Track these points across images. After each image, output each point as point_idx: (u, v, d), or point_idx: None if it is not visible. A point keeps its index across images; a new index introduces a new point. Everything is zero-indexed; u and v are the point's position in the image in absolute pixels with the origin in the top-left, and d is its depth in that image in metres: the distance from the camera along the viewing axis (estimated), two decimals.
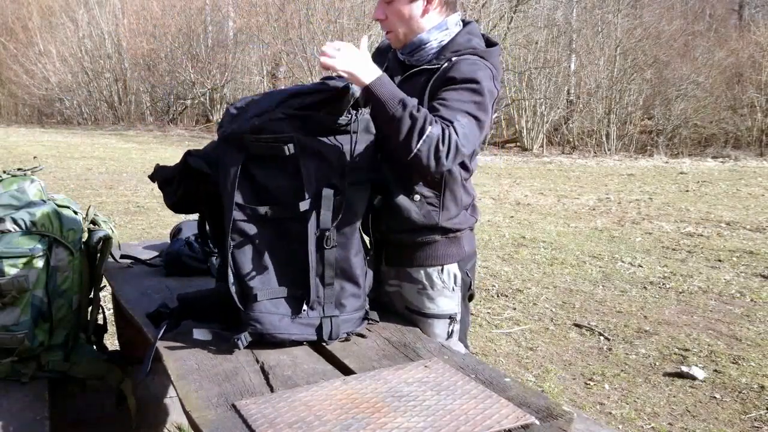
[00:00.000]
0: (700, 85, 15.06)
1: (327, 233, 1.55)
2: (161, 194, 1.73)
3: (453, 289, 1.81)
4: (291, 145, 1.51)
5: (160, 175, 1.69)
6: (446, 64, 1.66)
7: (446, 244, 1.78)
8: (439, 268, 1.79)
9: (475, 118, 1.59)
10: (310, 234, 1.54)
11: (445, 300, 1.80)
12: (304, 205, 1.53)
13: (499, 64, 1.75)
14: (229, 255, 1.55)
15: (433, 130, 1.50)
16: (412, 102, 1.53)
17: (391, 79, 1.75)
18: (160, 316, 1.68)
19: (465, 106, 1.58)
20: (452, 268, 1.80)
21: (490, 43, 1.77)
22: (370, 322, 1.73)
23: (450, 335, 1.81)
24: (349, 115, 1.56)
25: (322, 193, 1.52)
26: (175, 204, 1.72)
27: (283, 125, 1.52)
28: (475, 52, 1.69)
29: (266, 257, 1.56)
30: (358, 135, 1.57)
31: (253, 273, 1.55)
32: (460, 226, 1.78)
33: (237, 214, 1.54)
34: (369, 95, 1.53)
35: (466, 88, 1.60)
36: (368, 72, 1.53)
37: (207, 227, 1.78)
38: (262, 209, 1.55)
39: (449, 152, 1.52)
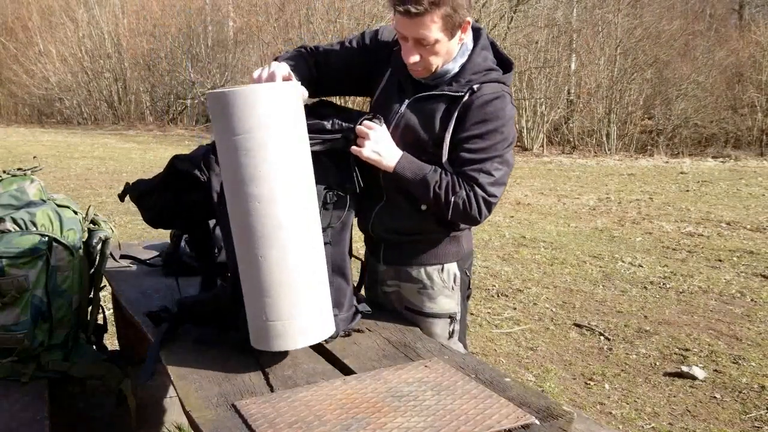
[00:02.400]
0: (700, 84, 15.05)
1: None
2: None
3: (453, 288, 1.80)
4: None
5: (138, 189, 1.70)
6: (468, 94, 1.62)
7: (446, 242, 1.78)
8: (440, 267, 1.79)
9: (506, 154, 1.66)
10: None
11: (445, 299, 1.80)
12: None
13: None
14: (230, 258, 1.55)
15: (458, 200, 1.61)
16: (434, 178, 1.61)
17: (399, 90, 1.72)
18: (159, 319, 1.69)
19: (492, 151, 1.63)
20: (452, 267, 1.80)
21: (503, 62, 1.72)
22: (364, 314, 1.74)
23: (451, 335, 1.81)
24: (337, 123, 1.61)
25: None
26: (153, 218, 1.72)
27: None
28: (497, 78, 1.66)
29: None
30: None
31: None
32: (461, 225, 1.78)
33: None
34: (396, 177, 1.63)
35: (493, 130, 1.62)
36: (392, 156, 1.61)
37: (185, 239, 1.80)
38: None
39: (480, 209, 1.63)
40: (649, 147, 14.78)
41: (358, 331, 1.68)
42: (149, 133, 20.00)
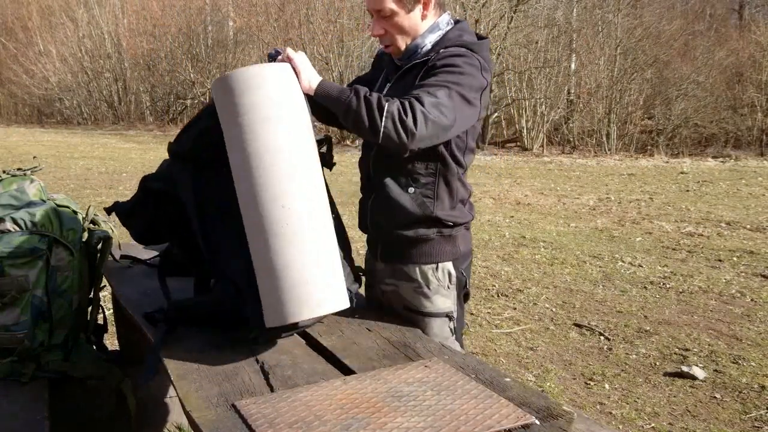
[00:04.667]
0: (700, 84, 15.05)
1: None
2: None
3: (448, 288, 1.81)
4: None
5: (121, 210, 1.71)
6: (434, 56, 1.69)
7: (441, 241, 1.79)
8: (434, 266, 1.80)
9: (454, 90, 1.60)
10: None
11: (442, 298, 1.81)
12: None
13: (489, 58, 1.76)
14: (222, 259, 1.56)
15: (392, 105, 1.53)
16: (363, 89, 1.57)
17: (387, 81, 1.79)
18: (155, 320, 1.69)
19: (440, 82, 1.60)
20: (447, 266, 1.81)
21: (480, 39, 1.79)
22: (354, 292, 1.74)
23: (450, 333, 1.82)
24: None
25: None
26: (142, 235, 1.73)
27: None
28: (464, 43, 1.71)
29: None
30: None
31: (245, 272, 1.55)
32: (456, 220, 1.78)
33: (208, 220, 1.55)
34: (321, 95, 1.59)
35: (445, 70, 1.63)
36: (315, 76, 1.61)
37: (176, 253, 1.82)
38: (224, 209, 1.56)
39: (416, 120, 1.52)
40: (649, 147, 14.78)
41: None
42: (149, 133, 20.00)
